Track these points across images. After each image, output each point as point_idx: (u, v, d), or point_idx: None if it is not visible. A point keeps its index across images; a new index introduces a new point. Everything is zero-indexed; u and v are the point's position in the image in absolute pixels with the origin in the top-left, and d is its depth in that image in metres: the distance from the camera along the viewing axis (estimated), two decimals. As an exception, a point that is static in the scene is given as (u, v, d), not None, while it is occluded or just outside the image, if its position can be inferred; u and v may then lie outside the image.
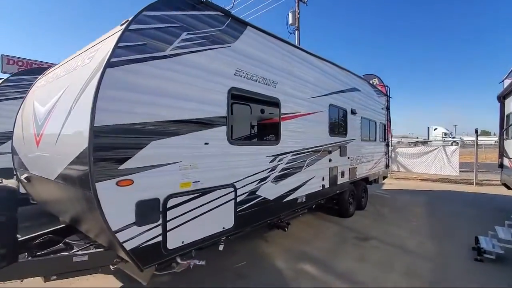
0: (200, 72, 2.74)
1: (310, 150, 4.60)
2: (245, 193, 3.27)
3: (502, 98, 7.15)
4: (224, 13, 2.99)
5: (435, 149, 12.10)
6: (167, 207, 2.41)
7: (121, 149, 2.10)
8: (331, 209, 6.49)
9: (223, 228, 2.99)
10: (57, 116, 2.54)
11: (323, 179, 5.06)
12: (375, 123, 7.97)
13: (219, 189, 2.92)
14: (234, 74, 3.12)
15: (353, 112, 6.30)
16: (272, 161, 3.70)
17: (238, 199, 3.17)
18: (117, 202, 2.08)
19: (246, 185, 3.28)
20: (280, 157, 3.86)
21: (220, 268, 3.78)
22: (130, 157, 2.14)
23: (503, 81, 7.33)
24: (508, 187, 7.02)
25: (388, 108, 9.24)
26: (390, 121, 12.94)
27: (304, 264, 3.98)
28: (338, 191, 5.76)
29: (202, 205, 2.74)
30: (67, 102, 2.40)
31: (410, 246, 4.72)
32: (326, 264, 4.01)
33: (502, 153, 7.21)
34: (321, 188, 5.02)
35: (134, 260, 2.19)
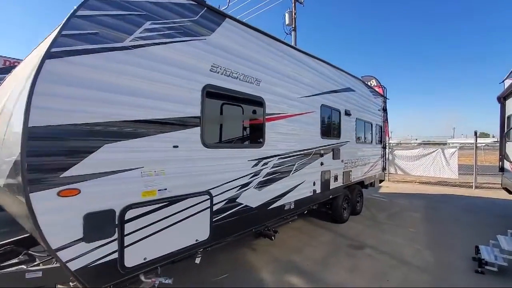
0: (168, 66, 2.44)
1: (299, 153, 4.30)
2: (223, 201, 2.96)
3: (502, 99, 6.85)
4: (197, 2, 2.70)
5: (434, 151, 11.80)
6: (125, 219, 2.11)
7: (64, 154, 1.80)
8: (325, 214, 6.19)
9: (197, 240, 2.68)
10: (4, 117, 2.24)
11: (314, 184, 4.76)
12: (371, 124, 7.67)
13: (191, 197, 2.61)
14: (210, 70, 2.82)
15: (347, 113, 6.01)
16: (255, 165, 3.39)
17: (215, 207, 2.86)
18: (58, 215, 1.77)
19: (224, 192, 2.97)
20: (265, 161, 3.55)
21: (199, 281, 3.47)
22: (76, 163, 1.83)
23: (503, 81, 7.05)
24: (509, 192, 6.71)
25: (385, 110, 8.95)
26: (388, 122, 12.73)
27: (291, 276, 3.67)
28: (331, 196, 5.45)
29: (170, 215, 2.44)
30: (12, 101, 2.10)
31: (406, 255, 4.40)
32: (316, 276, 3.69)
33: (503, 156, 6.90)
34: (312, 194, 4.71)
35: (81, 281, 1.89)
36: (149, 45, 2.30)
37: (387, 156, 12.83)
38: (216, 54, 2.88)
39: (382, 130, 8.81)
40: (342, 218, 5.97)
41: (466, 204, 8.10)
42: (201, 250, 2.92)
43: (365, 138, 7.24)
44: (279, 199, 3.86)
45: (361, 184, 7.13)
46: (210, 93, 2.83)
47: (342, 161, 5.78)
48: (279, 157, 3.83)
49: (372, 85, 12.85)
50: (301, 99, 4.39)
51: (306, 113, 4.51)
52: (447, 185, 11.55)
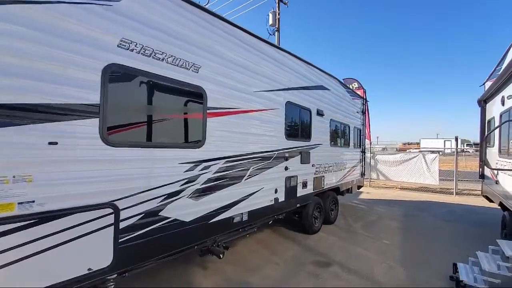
0: (46, 35, 1.78)
1: (256, 156, 3.69)
2: (137, 215, 2.29)
3: (483, 102, 6.49)
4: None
5: (415, 156, 11.47)
6: None
7: None
8: (297, 222, 5.56)
9: (89, 269, 1.99)
10: None
11: (276, 191, 4.14)
12: (348, 127, 7.16)
13: (81, 212, 1.94)
14: (119, 46, 2.17)
15: (319, 113, 5.45)
16: (190, 169, 2.74)
17: (123, 224, 2.19)
18: None
19: (140, 203, 2.31)
20: (206, 164, 2.91)
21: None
22: None
23: (484, 84, 6.70)
24: (489, 200, 6.31)
25: (364, 112, 8.49)
26: (369, 126, 12.35)
27: (237, 304, 3.02)
28: (298, 205, 4.85)
29: (41, 238, 1.75)
30: None
31: (377, 274, 3.83)
32: (266, 304, 3.05)
33: (483, 162, 6.51)
34: (273, 203, 4.10)
35: None
36: (14, 3, 1.64)
37: (368, 161, 12.48)
38: (129, 27, 2.22)
39: (362, 134, 8.34)
40: (313, 228, 5.37)
41: (446, 212, 7.68)
42: (111, 277, 2.24)
43: (341, 141, 6.72)
44: (226, 210, 3.21)
45: (337, 190, 6.58)
46: (118, 75, 2.17)
47: (312, 165, 5.20)
48: (226, 160, 3.19)
49: (354, 88, 12.56)
50: (259, 93, 3.78)
51: (265, 110, 3.91)
52: (428, 191, 11.21)
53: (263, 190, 3.84)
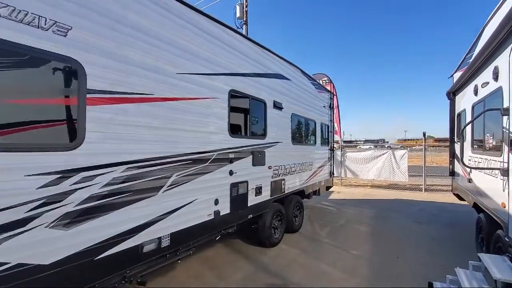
0: None
1: (182, 159, 2.77)
2: None
3: (452, 95, 6.06)
4: None
5: (385, 153, 11.15)
6: None
7: None
8: (254, 234, 4.70)
9: None
10: None
11: (216, 202, 3.25)
12: (314, 122, 6.46)
13: None
14: None
15: (277, 106, 4.64)
16: (52, 184, 1.76)
17: None
18: None
19: None
20: (85, 174, 1.94)
21: None
22: None
23: (452, 75, 6.30)
24: (460, 198, 5.88)
25: (332, 107, 7.86)
26: (339, 122, 11.87)
27: None
28: (251, 216, 3.99)
29: None
30: None
31: (341, 301, 3.08)
32: None
33: (453, 158, 6.10)
34: (212, 217, 3.20)
35: None
36: None
37: (339, 158, 12.02)
38: None
39: (330, 130, 7.70)
40: (271, 240, 4.55)
41: (417, 211, 7.25)
42: None
43: (305, 138, 5.98)
44: (129, 237, 2.26)
45: (302, 194, 5.83)
46: None
47: (269, 167, 4.38)
48: (129, 166, 2.24)
49: (324, 83, 12.02)
50: (187, 77, 2.86)
51: (198, 98, 3.00)
52: (398, 188, 10.94)
53: (196, 202, 2.93)
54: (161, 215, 2.54)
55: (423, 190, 10.26)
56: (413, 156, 16.28)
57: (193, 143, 2.92)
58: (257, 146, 4.06)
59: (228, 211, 3.46)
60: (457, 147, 5.85)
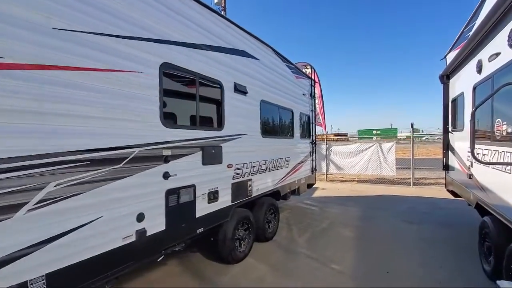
0: None
1: (67, 159, 1.80)
2: None
3: (445, 78, 5.29)
4: None
5: (371, 146, 10.45)
6: None
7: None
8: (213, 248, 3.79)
9: None
10: None
11: (139, 218, 2.31)
12: (292, 112, 5.57)
13: None
14: None
15: (239, 90, 3.71)
16: None
17: None
18: None
19: None
20: None
21: None
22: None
23: (445, 57, 5.53)
24: (455, 194, 5.16)
25: (313, 95, 6.99)
26: (324, 113, 11.05)
27: None
28: (201, 229, 3.07)
29: None
30: None
31: None
32: None
33: (447, 150, 5.35)
34: (133, 240, 2.26)
35: None
36: None
37: (324, 152, 11.24)
38: None
39: (311, 121, 6.84)
40: (235, 255, 3.65)
41: (407, 209, 6.53)
42: None
43: (280, 130, 5.09)
44: None
45: (276, 195, 4.96)
46: None
47: (229, 166, 3.46)
48: None
49: (307, 73, 11.14)
50: (74, 36, 1.88)
51: (100, 70, 2.02)
52: (386, 182, 10.28)
53: (99, 223, 1.98)
54: (24, 249, 1.58)
55: (411, 184, 9.62)
56: (399, 148, 15.75)
57: (92, 134, 1.95)
58: (209, 140, 3.12)
59: (163, 228, 2.53)
60: (452, 137, 5.09)
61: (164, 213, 2.54)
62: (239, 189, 3.68)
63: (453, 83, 5.02)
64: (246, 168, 3.85)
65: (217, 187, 3.25)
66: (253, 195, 4.04)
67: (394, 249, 4.14)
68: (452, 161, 5.02)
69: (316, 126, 11.99)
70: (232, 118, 3.53)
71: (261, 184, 4.27)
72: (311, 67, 7.09)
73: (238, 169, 3.64)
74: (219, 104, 3.35)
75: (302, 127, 6.20)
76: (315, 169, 7.05)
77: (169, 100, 2.65)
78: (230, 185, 3.51)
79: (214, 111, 3.31)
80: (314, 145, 6.92)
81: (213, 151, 3.15)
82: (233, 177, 3.56)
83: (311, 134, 6.80)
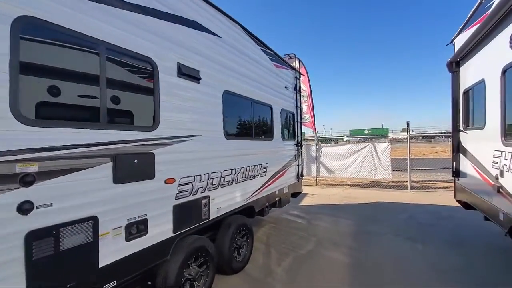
0: None
1: None
2: None
3: (454, 66, 4.33)
4: None
5: (365, 147, 9.51)
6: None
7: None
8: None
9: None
10: None
11: None
12: (271, 108, 4.53)
13: None
14: None
15: (187, 74, 2.64)
16: None
17: None
18: None
19: None
20: None
21: None
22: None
23: (453, 41, 4.60)
24: (468, 206, 4.21)
25: (299, 90, 5.97)
26: (313, 111, 10.07)
27: None
28: (112, 285, 1.99)
29: None
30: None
31: None
32: None
33: (457, 152, 4.39)
34: None
35: None
36: None
37: (314, 155, 10.27)
38: None
39: (297, 120, 5.82)
40: (182, 304, 2.58)
41: (407, 220, 5.56)
42: None
43: (254, 130, 4.04)
44: None
45: (249, 211, 3.91)
46: None
47: (168, 181, 2.38)
48: None
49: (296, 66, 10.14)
50: None
51: None
52: (381, 186, 9.35)
53: None
54: None
55: (408, 188, 8.70)
56: (391, 148, 14.90)
57: None
58: (130, 145, 2.04)
59: (18, 298, 1.45)
60: (464, 137, 4.13)
61: (23, 273, 1.46)
62: (187, 212, 2.61)
63: (466, 71, 4.07)
64: (200, 181, 2.79)
65: (146, 214, 2.18)
66: (211, 217, 2.97)
67: (395, 282, 3.13)
68: (465, 166, 4.06)
69: (306, 127, 11.09)
70: (173, 113, 2.46)
71: (224, 201, 3.21)
72: (296, 58, 6.05)
73: (185, 184, 2.58)
74: (149, 91, 2.27)
75: (285, 126, 5.17)
76: (302, 175, 6.02)
77: (36, 81, 1.57)
78: (172, 208, 2.44)
79: (141, 101, 2.24)
80: (300, 147, 5.90)
81: (135, 161, 2.08)
82: (177, 196, 2.49)
83: (296, 135, 5.78)
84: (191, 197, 2.67)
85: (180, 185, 2.51)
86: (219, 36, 3.18)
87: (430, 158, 18.53)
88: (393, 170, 9.27)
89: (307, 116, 10.19)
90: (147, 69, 2.26)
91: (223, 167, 3.17)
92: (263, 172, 4.17)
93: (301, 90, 10.27)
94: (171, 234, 2.42)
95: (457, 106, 4.31)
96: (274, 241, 4.60)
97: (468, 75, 3.94)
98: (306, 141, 12.93)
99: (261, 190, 4.13)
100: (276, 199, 4.74)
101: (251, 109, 3.90)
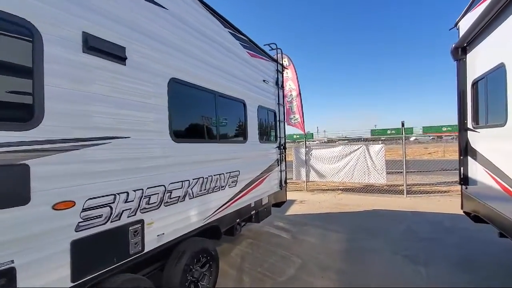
0: None
1: None
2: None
3: (460, 52, 3.63)
4: None
5: (357, 149, 8.81)
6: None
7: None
8: None
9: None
10: None
11: None
12: (243, 104, 3.76)
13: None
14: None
15: (101, 51, 1.85)
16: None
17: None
18: None
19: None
20: None
21: None
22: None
23: (457, 24, 3.91)
24: (479, 220, 3.50)
25: (281, 85, 5.21)
26: (302, 110, 9.33)
27: None
28: None
29: None
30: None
31: None
32: None
33: (465, 155, 3.67)
34: None
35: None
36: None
37: (304, 157, 9.53)
38: None
39: (279, 119, 5.06)
40: None
41: (405, 234, 4.83)
42: None
43: (219, 130, 3.25)
44: None
45: (213, 232, 3.11)
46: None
47: (59, 206, 1.58)
48: None
49: (284, 65, 9.41)
50: None
51: None
52: (375, 191, 8.65)
53: None
54: None
55: (404, 193, 8.00)
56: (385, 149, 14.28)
57: None
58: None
59: None
60: (474, 137, 3.42)
61: None
62: (100, 247, 1.80)
63: (475, 58, 3.36)
64: (126, 201, 1.99)
65: (12, 261, 1.37)
66: (146, 250, 2.16)
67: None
68: (476, 171, 3.34)
69: (295, 128, 10.34)
70: (71, 105, 1.66)
71: (171, 225, 2.41)
72: (279, 49, 5.29)
73: (95, 207, 1.77)
74: (26, 72, 1.47)
75: (263, 126, 4.41)
76: (286, 183, 5.26)
77: None
78: (69, 246, 1.63)
79: (9, 85, 1.44)
80: (283, 150, 5.14)
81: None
82: (79, 226, 1.68)
83: (279, 136, 5.01)
84: (109, 225, 1.86)
85: (85, 209, 1.71)
86: (163, 7, 2.40)
87: (424, 160, 17.99)
88: (387, 173, 8.58)
89: (296, 116, 9.46)
90: (23, 38, 1.46)
91: (168, 179, 2.37)
92: (232, 181, 3.38)
93: (290, 89, 9.63)
94: (67, 285, 1.61)
95: (464, 100, 3.60)
96: (250, 264, 3.80)
97: (479, 62, 3.24)
98: (311, 141, 12.17)
99: (230, 204, 3.34)
100: (252, 212, 3.95)
101: (214, 104, 3.11)
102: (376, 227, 5.25)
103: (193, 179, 2.67)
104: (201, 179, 2.79)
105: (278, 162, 4.91)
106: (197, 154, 2.76)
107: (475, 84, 3.34)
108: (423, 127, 28.75)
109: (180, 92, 2.57)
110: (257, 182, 4.05)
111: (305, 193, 9.01)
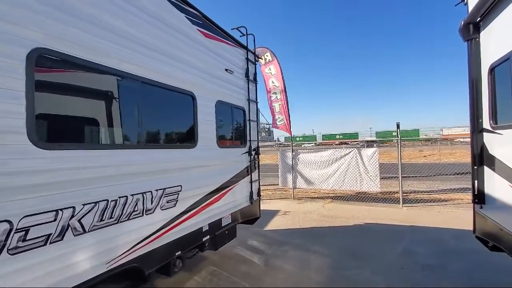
0: None
1: None
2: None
3: (472, 30, 2.78)
4: None
5: (348, 153, 7.95)
6: None
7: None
8: None
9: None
10: None
11: None
12: (192, 98, 2.85)
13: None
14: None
15: None
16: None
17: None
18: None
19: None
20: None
21: None
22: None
23: (465, -2, 3.08)
24: (498, 249, 2.62)
25: (251, 78, 4.31)
26: (287, 108, 8.45)
27: None
28: None
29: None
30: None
31: None
32: None
33: (480, 164, 2.80)
34: None
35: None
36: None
37: (290, 162, 8.64)
38: None
39: (248, 119, 4.16)
40: None
41: (403, 258, 3.93)
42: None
43: (143, 131, 2.33)
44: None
45: (130, 276, 2.18)
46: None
47: None
48: None
49: (267, 60, 8.57)
50: None
51: None
52: (367, 199, 7.76)
53: None
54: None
55: (400, 203, 7.13)
56: (379, 152, 13.47)
57: None
58: None
59: None
60: (493, 140, 2.55)
61: None
62: None
63: (492, 35, 2.51)
64: None
65: None
66: None
67: None
68: (497, 187, 2.47)
69: (279, 130, 9.47)
70: None
71: (40, 278, 1.48)
72: (249, 34, 4.39)
73: None
74: None
75: (225, 126, 3.50)
76: (259, 195, 4.34)
77: None
78: None
79: None
80: (255, 156, 4.23)
81: None
82: None
83: (249, 139, 4.11)
84: None
85: None
86: None
87: (420, 163, 17.22)
88: (381, 178, 7.72)
89: (281, 117, 8.60)
90: None
91: (18, 209, 1.45)
92: (168, 201, 2.46)
93: (274, 87, 8.77)
94: None
95: (478, 91, 2.74)
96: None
97: (498, 41, 2.39)
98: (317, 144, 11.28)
99: (164, 233, 2.41)
100: (205, 239, 3.02)
101: (136, 94, 2.20)
102: (368, 247, 4.36)
103: (84, 205, 1.75)
104: (101, 203, 1.86)
105: (248, 171, 4.00)
106: (93, 166, 1.83)
107: (493, 69, 2.48)
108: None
109: (59, 73, 1.66)
110: (213, 198, 3.13)
111: (291, 202, 8.10)
